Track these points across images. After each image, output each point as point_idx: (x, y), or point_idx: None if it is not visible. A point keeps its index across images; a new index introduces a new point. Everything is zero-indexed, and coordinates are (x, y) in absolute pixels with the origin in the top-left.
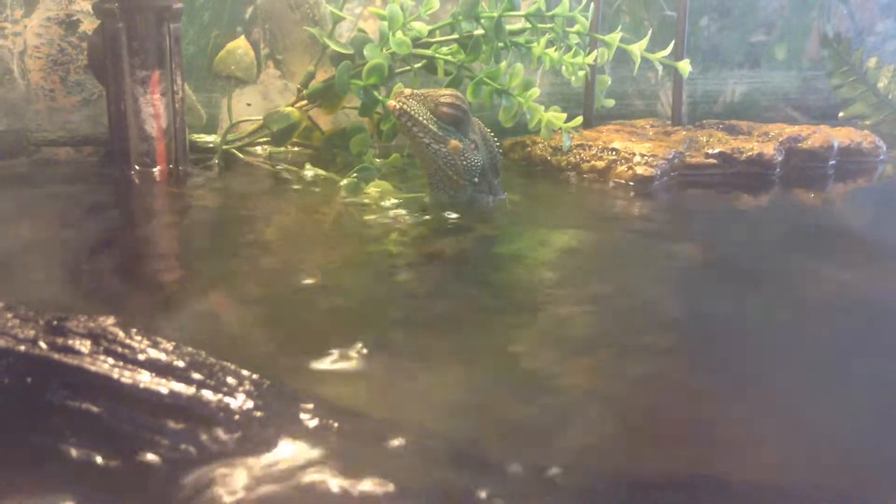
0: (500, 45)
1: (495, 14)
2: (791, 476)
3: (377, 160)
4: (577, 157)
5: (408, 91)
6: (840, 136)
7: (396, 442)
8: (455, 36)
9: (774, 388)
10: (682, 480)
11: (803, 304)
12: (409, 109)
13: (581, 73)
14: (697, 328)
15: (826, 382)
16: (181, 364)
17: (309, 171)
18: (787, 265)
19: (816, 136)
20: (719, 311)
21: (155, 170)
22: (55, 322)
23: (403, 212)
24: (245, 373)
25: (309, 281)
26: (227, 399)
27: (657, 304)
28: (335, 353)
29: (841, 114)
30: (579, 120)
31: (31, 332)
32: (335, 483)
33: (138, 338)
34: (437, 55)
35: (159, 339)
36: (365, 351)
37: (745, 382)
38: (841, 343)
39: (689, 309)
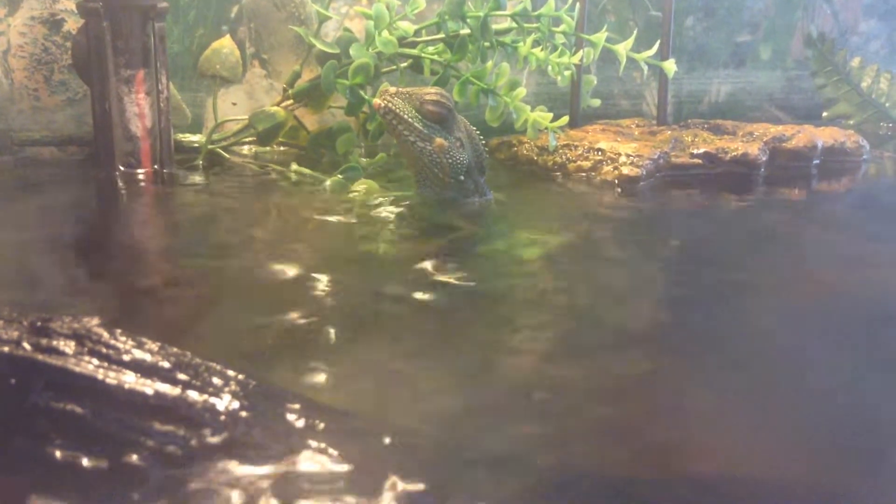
0: (487, 44)
1: (481, 13)
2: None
3: (363, 160)
4: (564, 156)
5: (393, 89)
6: (824, 136)
7: (383, 440)
8: (441, 35)
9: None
10: None
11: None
12: (394, 107)
13: (567, 73)
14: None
15: None
16: (166, 365)
17: (295, 171)
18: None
19: (801, 135)
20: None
21: (140, 170)
22: (39, 323)
23: (389, 211)
24: (231, 373)
25: (294, 281)
26: (212, 399)
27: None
28: (320, 350)
29: (825, 113)
30: (565, 119)
31: (15, 333)
32: (321, 483)
33: (123, 338)
34: (423, 55)
35: (144, 340)
36: (348, 347)
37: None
38: None
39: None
